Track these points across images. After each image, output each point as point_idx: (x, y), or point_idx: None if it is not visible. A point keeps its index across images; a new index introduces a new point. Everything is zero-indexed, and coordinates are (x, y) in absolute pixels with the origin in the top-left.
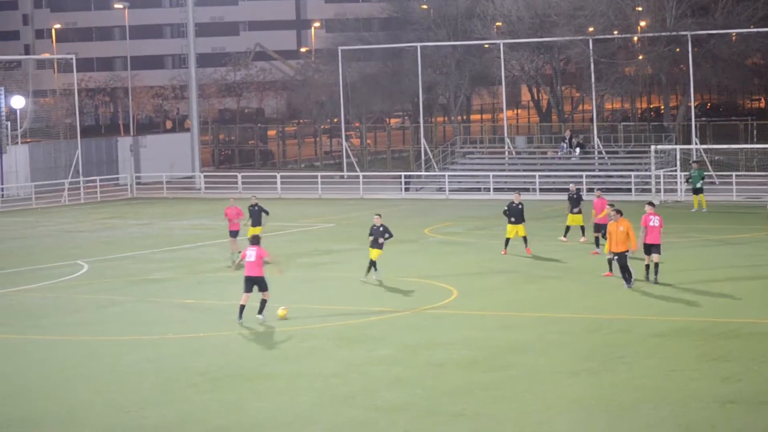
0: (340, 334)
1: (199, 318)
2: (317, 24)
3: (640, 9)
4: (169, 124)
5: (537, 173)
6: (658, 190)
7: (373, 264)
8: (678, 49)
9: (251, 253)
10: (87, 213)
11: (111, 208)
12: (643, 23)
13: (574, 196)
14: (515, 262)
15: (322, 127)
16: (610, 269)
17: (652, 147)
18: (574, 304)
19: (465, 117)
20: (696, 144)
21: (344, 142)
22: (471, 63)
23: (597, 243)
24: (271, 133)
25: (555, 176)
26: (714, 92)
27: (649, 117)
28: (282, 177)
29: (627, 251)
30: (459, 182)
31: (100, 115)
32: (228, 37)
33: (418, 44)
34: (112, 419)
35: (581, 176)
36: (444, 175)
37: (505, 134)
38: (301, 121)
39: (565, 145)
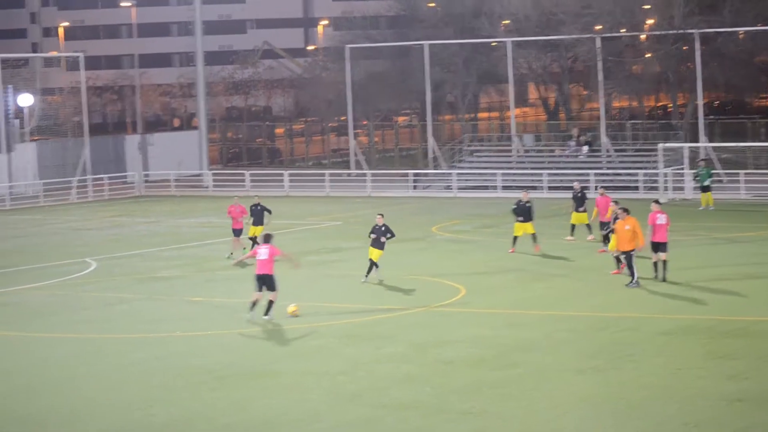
0: (347, 332)
1: (206, 316)
2: (325, 22)
3: (647, 7)
4: (176, 122)
5: (545, 171)
6: (665, 189)
7: (374, 264)
8: (686, 47)
9: (263, 251)
10: (95, 211)
11: (119, 206)
12: (650, 21)
13: (579, 194)
14: (523, 260)
15: (330, 125)
16: (618, 267)
17: (660, 145)
18: (582, 302)
19: (473, 115)
20: (704, 142)
21: (352, 140)
22: (479, 61)
23: (604, 241)
24: (279, 131)
25: (563, 174)
26: (722, 90)
27: (656, 115)
28: (290, 175)
29: (633, 250)
30: (467, 180)
31: (107, 113)
32: (235, 35)
33: (426, 42)
34: (119, 417)
35: (589, 174)
36: (452, 173)
37: (513, 132)
38: (309, 119)
39: (572, 143)
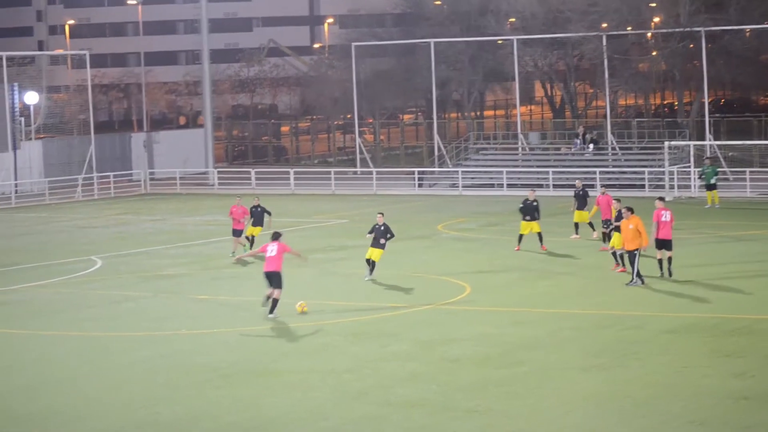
0: (352, 330)
1: (212, 314)
2: (330, 20)
3: (654, 5)
4: (182, 120)
5: (550, 169)
6: (671, 187)
7: (373, 264)
8: (692, 45)
9: (273, 248)
10: (100, 209)
11: (124, 204)
12: (656, 19)
13: (581, 192)
14: (528, 258)
15: (336, 123)
16: (618, 263)
17: (666, 143)
18: (587, 300)
19: (478, 113)
20: (710, 140)
21: (357, 138)
22: (484, 59)
23: (604, 239)
24: (285, 129)
25: (568, 172)
26: (728, 88)
27: (662, 113)
28: (295, 173)
29: (638, 249)
30: (472, 178)
31: (113, 110)
32: (241, 33)
33: (432, 40)
34: (125, 415)
35: (595, 172)
36: (457, 171)
37: (519, 130)
38: (315, 117)
39: (578, 141)
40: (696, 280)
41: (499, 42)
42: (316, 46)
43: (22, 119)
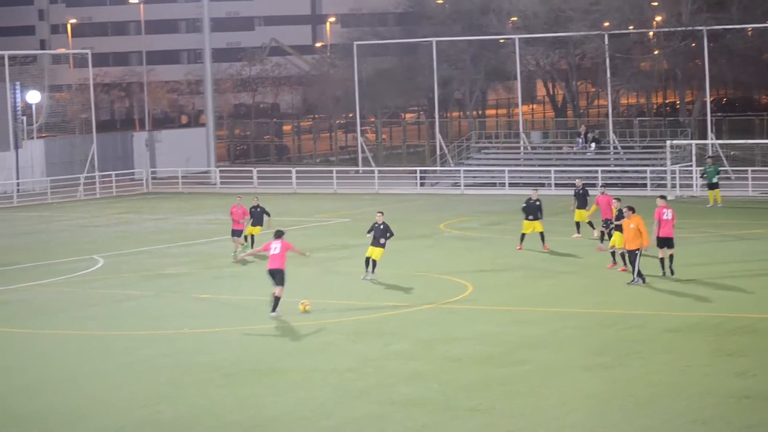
0: (355, 328)
1: (214, 313)
2: (332, 19)
3: (655, 4)
4: (184, 119)
5: (552, 168)
6: (673, 186)
7: (373, 263)
8: (694, 44)
9: (276, 246)
10: (102, 208)
11: (126, 203)
12: (658, 18)
13: (581, 191)
14: (530, 257)
15: (338, 122)
16: (616, 262)
17: (668, 142)
18: (589, 299)
19: (480, 112)
20: (712, 139)
21: (359, 137)
22: (486, 58)
23: (602, 239)
24: (287, 128)
25: (570, 171)
26: (730, 87)
27: (664, 112)
28: (297, 172)
29: (639, 249)
30: (474, 177)
31: (115, 110)
32: (243, 32)
33: (434, 39)
34: (126, 414)
35: (596, 171)
36: (459, 170)
37: (521, 129)
38: (317, 116)
39: (580, 140)
40: (698, 279)
41: (501, 41)
42: (318, 45)
43: (24, 118)
